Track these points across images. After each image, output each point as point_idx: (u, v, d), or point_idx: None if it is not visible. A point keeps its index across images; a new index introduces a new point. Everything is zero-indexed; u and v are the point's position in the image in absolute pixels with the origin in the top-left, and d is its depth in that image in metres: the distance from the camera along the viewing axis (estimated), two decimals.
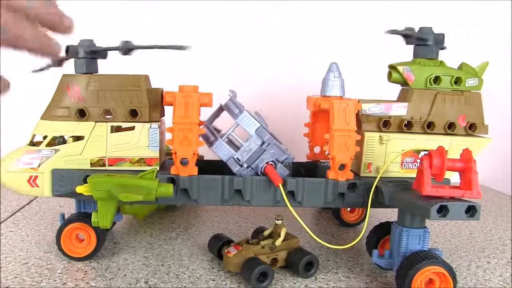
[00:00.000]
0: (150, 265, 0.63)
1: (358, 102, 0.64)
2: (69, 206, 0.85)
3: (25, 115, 0.98)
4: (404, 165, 0.66)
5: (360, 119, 0.65)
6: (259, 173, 0.63)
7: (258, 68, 1.02)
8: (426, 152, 0.57)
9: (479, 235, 0.80)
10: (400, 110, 0.66)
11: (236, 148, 0.64)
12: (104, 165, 0.62)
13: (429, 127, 0.66)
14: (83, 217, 0.64)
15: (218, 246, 0.64)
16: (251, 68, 1.01)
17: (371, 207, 0.61)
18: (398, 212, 0.59)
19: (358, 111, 0.65)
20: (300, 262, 0.60)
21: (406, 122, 0.65)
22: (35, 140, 0.65)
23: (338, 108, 0.62)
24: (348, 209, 0.80)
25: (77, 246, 0.64)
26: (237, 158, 0.63)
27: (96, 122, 0.62)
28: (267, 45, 1.01)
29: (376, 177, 0.62)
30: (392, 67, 0.67)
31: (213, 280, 0.59)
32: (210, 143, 0.64)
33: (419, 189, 0.55)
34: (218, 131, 0.68)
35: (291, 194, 0.62)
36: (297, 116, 0.80)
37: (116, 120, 0.62)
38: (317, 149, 0.75)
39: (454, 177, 0.63)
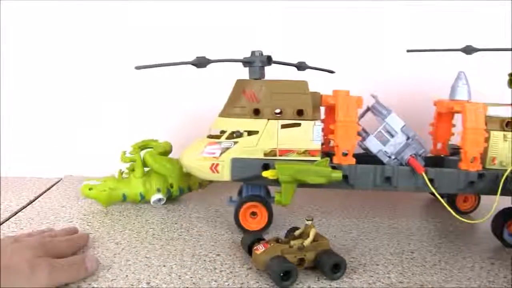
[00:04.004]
0: (152, 265, 0.63)
1: (485, 105, 0.76)
2: (70, 206, 0.88)
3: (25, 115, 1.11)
4: None
5: (486, 120, 0.77)
6: (403, 164, 0.76)
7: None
8: None
9: (484, 236, 0.79)
10: None
11: (383, 143, 0.76)
12: (275, 155, 0.75)
13: None
14: (254, 197, 0.77)
15: (249, 242, 0.66)
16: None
17: (500, 194, 0.73)
18: None
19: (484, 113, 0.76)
20: (327, 263, 0.60)
21: None
22: (211, 133, 0.79)
23: (470, 110, 0.75)
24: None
25: (251, 222, 0.77)
26: (385, 151, 0.76)
27: (268, 119, 0.74)
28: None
29: (500, 169, 0.74)
30: None
31: (215, 281, 0.59)
32: (362, 138, 0.76)
33: None
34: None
35: (430, 181, 0.75)
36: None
37: (285, 118, 0.75)
38: (439, 146, 0.87)
39: None
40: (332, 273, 0.60)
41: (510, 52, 0.80)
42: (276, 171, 0.70)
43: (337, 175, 0.70)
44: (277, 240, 0.63)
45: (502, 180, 0.73)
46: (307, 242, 0.61)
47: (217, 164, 0.75)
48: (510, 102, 0.80)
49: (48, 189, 1.01)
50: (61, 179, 1.10)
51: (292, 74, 0.83)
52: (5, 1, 1.05)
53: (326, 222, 0.85)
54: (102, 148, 1.12)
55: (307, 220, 0.64)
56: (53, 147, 1.13)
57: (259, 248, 0.61)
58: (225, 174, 0.75)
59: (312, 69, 0.85)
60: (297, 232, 0.65)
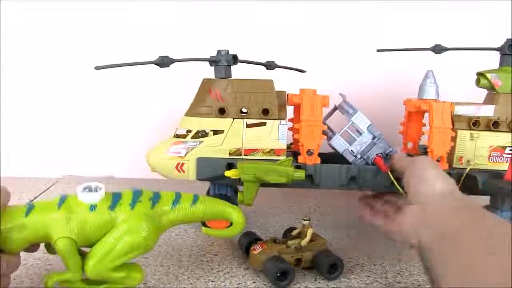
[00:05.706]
0: (149, 265, 0.63)
1: (452, 104, 0.76)
2: None
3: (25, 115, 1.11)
4: (492, 158, 0.77)
5: (453, 118, 0.76)
6: (369, 163, 0.75)
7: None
8: None
9: None
10: (487, 111, 0.77)
11: (350, 142, 0.76)
12: (240, 154, 0.74)
13: None
14: (219, 197, 0.76)
15: (246, 243, 0.66)
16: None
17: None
18: (490, 198, 0.70)
19: (451, 112, 0.76)
20: (324, 263, 0.61)
21: (494, 122, 0.76)
22: (178, 133, 0.78)
23: (437, 109, 0.74)
24: None
25: (216, 221, 0.76)
26: (351, 150, 0.75)
27: (234, 118, 0.74)
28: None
29: (467, 168, 0.74)
30: (481, 74, 0.78)
31: (212, 281, 0.60)
32: (328, 138, 0.76)
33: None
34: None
35: (396, 180, 0.74)
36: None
37: (251, 117, 0.74)
38: (409, 145, 0.86)
39: None
40: (329, 273, 0.61)
41: (478, 51, 0.80)
42: (238, 170, 0.69)
43: (300, 174, 0.70)
44: (274, 240, 0.63)
45: (461, 179, 0.72)
46: (304, 242, 0.62)
47: (183, 164, 0.75)
48: (477, 101, 0.79)
49: (47, 189, 1.02)
50: (60, 178, 1.11)
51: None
52: (5, 1, 1.06)
53: (324, 222, 0.85)
54: (101, 147, 1.12)
55: (305, 220, 0.64)
56: (51, 147, 1.13)
57: (256, 248, 0.61)
58: (190, 173, 0.75)
59: (282, 68, 0.85)
60: (294, 232, 0.65)
